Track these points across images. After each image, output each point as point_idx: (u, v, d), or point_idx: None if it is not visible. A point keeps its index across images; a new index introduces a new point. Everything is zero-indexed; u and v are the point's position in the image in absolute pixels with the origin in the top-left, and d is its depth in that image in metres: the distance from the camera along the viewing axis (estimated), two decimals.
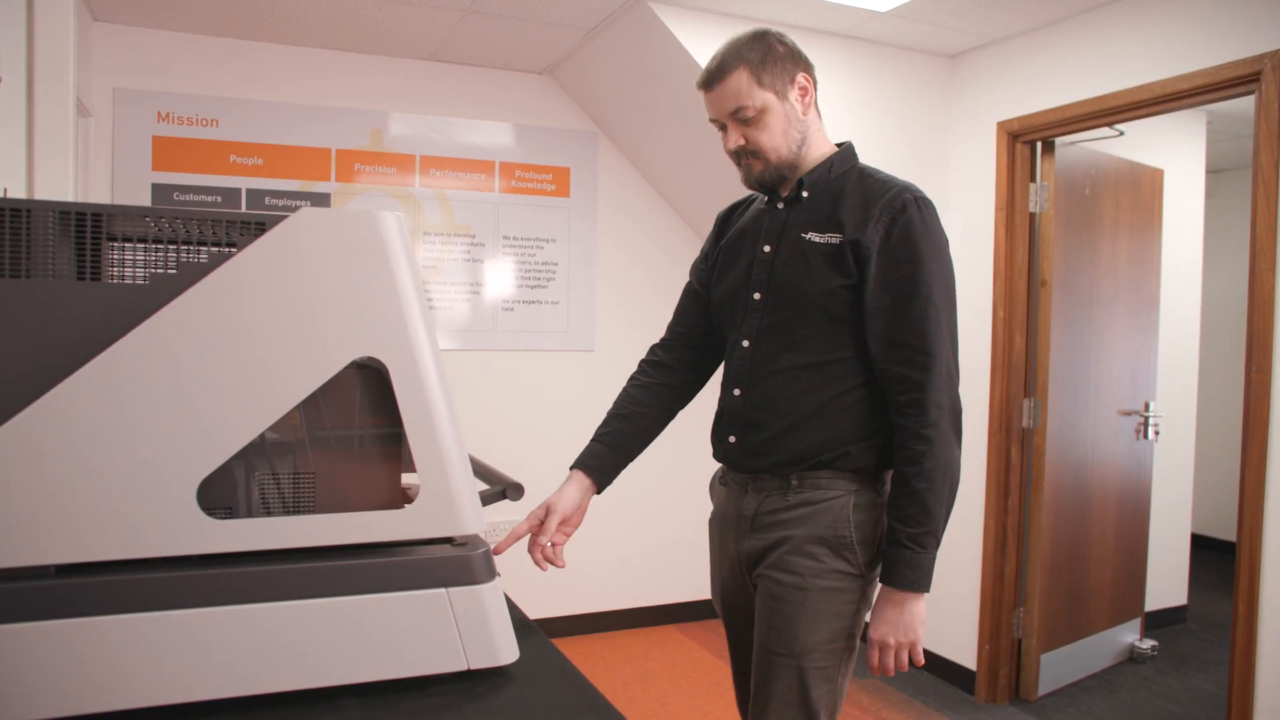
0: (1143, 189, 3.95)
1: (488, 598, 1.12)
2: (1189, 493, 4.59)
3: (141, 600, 0.98)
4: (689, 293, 1.95)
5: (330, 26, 3.55)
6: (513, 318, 4.15)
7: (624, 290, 4.34)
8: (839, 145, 1.75)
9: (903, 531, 1.57)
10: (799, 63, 1.67)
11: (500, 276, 4.13)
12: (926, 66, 3.72)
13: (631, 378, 1.92)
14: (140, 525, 0.99)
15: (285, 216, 1.04)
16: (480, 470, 1.34)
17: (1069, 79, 3.26)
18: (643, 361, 1.94)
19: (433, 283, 4.01)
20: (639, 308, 4.35)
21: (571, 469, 1.80)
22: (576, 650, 4.03)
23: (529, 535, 1.69)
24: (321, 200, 3.84)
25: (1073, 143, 3.62)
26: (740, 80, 1.63)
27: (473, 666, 1.12)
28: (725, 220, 1.90)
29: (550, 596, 4.20)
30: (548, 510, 1.71)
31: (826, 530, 1.63)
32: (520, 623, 1.30)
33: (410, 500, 1.11)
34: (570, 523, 1.74)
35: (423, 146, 3.98)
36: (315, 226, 1.05)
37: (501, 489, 1.28)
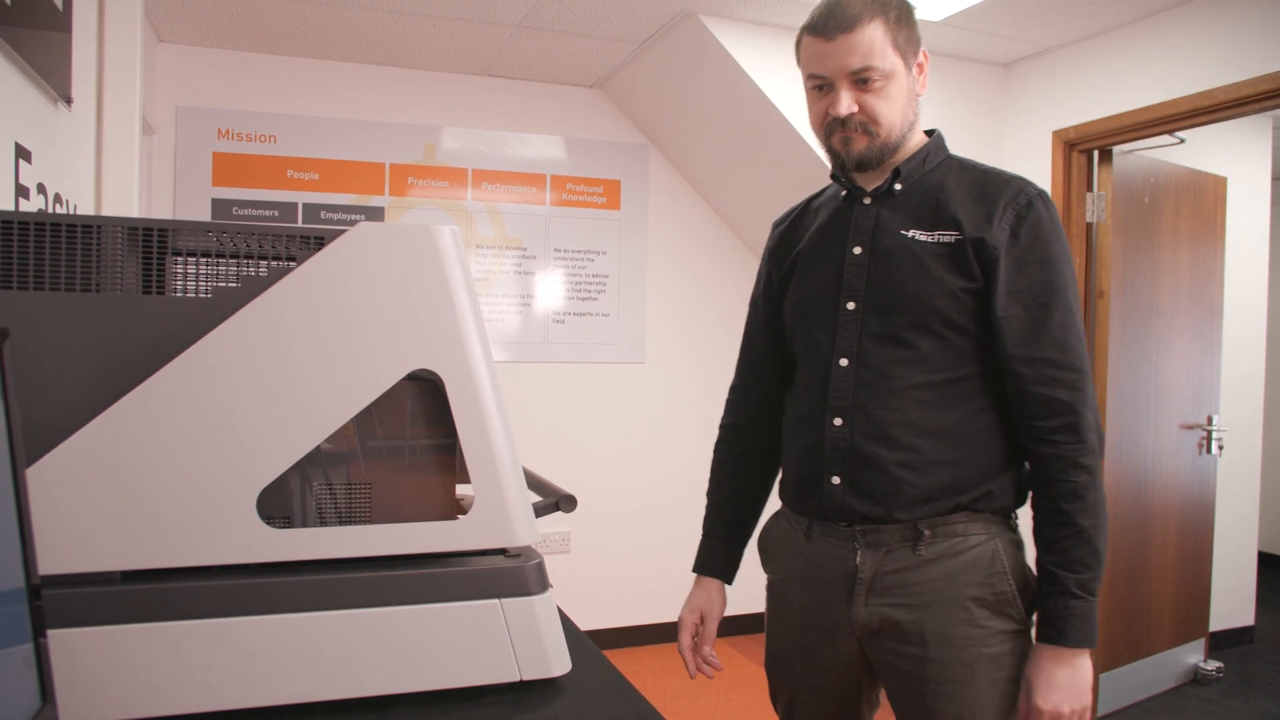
0: (1205, 197, 3.86)
1: (540, 609, 1.12)
2: (1255, 509, 4.47)
3: (203, 607, 1.00)
4: (755, 330, 1.69)
5: (385, 43, 3.61)
6: (563, 330, 4.17)
7: (675, 302, 4.34)
8: (927, 133, 1.53)
9: (1070, 578, 1.33)
10: (919, 36, 1.44)
11: (551, 289, 4.15)
12: (980, 75, 3.68)
13: (717, 448, 1.72)
14: (202, 533, 1.01)
15: (343, 231, 1.06)
16: (533, 482, 1.35)
17: (1127, 86, 3.21)
18: (723, 425, 1.72)
19: (484, 295, 4.05)
20: (689, 320, 4.35)
21: (697, 574, 1.69)
22: (627, 662, 4.03)
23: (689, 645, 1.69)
24: (375, 214, 3.90)
25: (1131, 151, 3.55)
26: (876, 34, 1.36)
27: (525, 677, 1.12)
28: (788, 231, 1.63)
29: (601, 609, 4.20)
30: (703, 618, 1.68)
31: (980, 588, 1.39)
32: (572, 634, 1.30)
33: (464, 511, 1.12)
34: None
35: (475, 160, 4.03)
36: (372, 241, 1.07)
37: (555, 500, 1.29)
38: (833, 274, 1.48)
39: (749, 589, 4.79)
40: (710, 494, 1.71)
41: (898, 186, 1.46)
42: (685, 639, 1.67)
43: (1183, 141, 3.65)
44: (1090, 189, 3.45)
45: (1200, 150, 3.99)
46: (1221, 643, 4.26)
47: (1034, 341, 1.36)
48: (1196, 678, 3.90)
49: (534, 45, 3.62)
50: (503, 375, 4.23)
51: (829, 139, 1.45)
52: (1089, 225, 3.45)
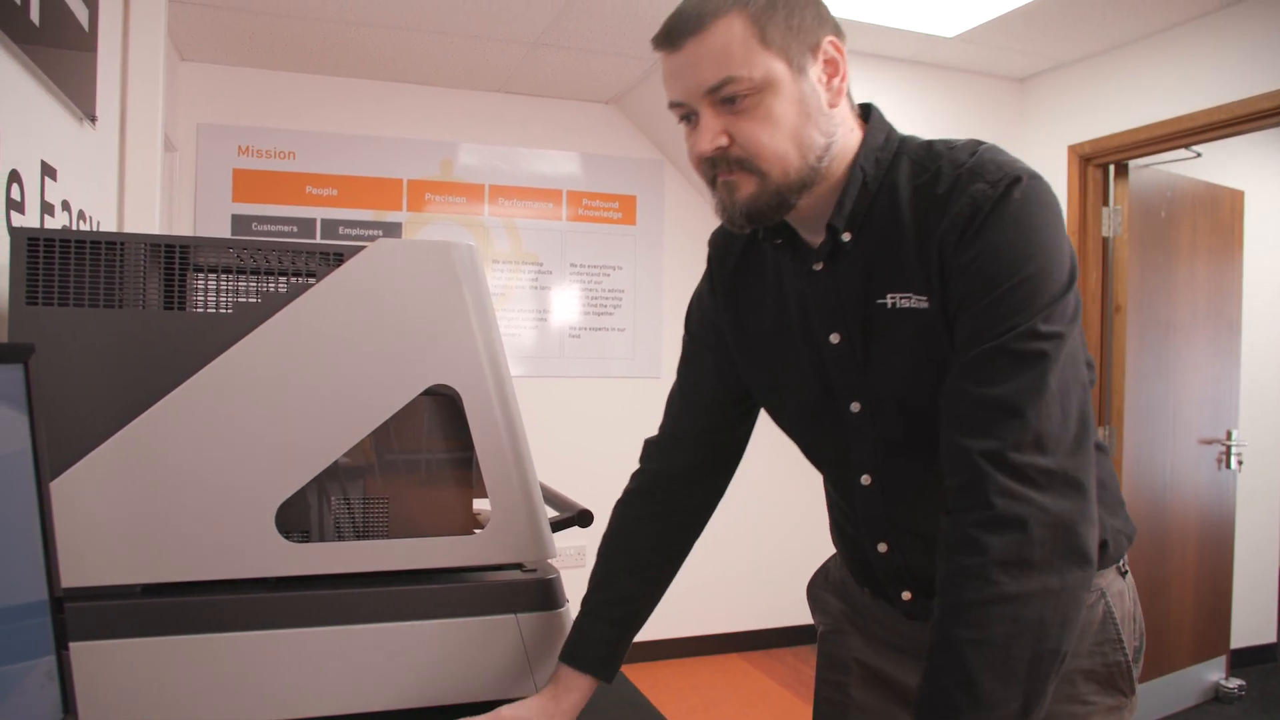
0: (1221, 211, 3.85)
1: (557, 624, 1.13)
2: (1276, 525, 4.42)
3: (222, 620, 1.01)
4: (696, 362, 1.27)
5: (402, 61, 3.64)
6: (579, 344, 4.18)
7: None
8: (861, 116, 1.08)
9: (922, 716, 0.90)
10: (825, 22, 1.00)
11: (567, 304, 4.16)
12: (995, 91, 3.68)
13: (626, 500, 1.27)
14: (222, 548, 1.02)
15: (363, 247, 1.07)
16: (550, 496, 1.35)
17: (1142, 101, 3.20)
18: (640, 472, 1.29)
19: (501, 310, 4.06)
20: None
21: (565, 662, 1.12)
22: (641, 677, 4.01)
23: None
24: (393, 229, 3.92)
25: (1147, 165, 3.55)
26: (733, 31, 0.95)
27: None
28: (735, 280, 1.21)
29: None
30: None
31: (1090, 658, 1.13)
32: None
33: (481, 526, 1.13)
34: None
35: (491, 176, 4.05)
36: (391, 257, 1.08)
37: (571, 515, 1.29)
38: (815, 371, 1.12)
39: (760, 606, 4.73)
40: (604, 558, 1.24)
41: (846, 237, 1.05)
42: None
43: (1199, 155, 3.64)
44: (1106, 203, 3.44)
45: (1217, 164, 3.97)
46: (1243, 660, 4.21)
47: (956, 371, 0.96)
48: (1218, 695, 3.85)
49: (550, 62, 3.64)
50: (518, 390, 4.23)
51: (712, 187, 1.04)
52: (1105, 240, 3.44)
